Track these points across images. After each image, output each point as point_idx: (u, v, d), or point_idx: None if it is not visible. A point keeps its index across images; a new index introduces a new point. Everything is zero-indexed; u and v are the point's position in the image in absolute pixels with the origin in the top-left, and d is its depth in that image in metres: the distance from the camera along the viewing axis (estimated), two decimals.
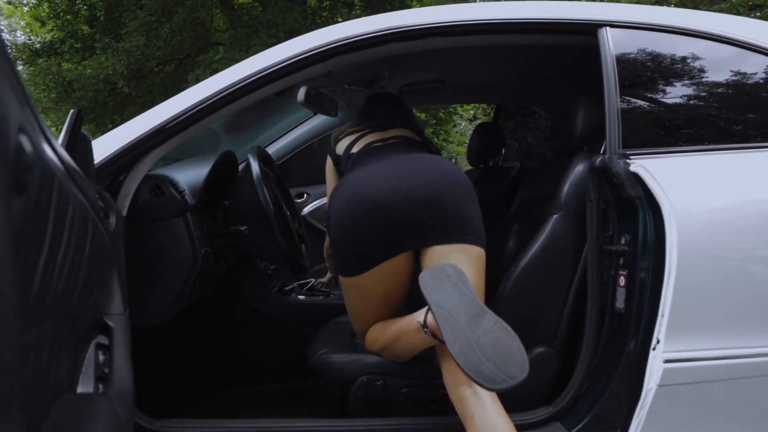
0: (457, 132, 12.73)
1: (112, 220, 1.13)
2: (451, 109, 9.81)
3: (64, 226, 0.66)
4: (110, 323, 0.94)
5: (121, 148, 1.46)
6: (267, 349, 2.18)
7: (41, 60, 8.04)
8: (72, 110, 1.22)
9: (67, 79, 7.08)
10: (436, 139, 10.61)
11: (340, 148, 1.94)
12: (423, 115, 9.50)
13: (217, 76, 1.56)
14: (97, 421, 0.63)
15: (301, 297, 2.31)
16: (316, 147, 3.39)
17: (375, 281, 1.59)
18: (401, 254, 1.58)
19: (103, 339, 1.06)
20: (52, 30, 8.72)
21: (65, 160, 0.80)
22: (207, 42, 7.77)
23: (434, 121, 9.75)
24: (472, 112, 11.65)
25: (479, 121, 10.18)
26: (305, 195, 3.43)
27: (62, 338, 0.74)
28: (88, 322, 0.86)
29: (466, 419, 1.39)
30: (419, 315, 1.48)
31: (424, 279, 1.39)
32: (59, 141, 1.20)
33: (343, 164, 1.87)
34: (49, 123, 8.20)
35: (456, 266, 1.42)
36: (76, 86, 6.84)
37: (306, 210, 3.28)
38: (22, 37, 10.70)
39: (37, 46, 8.58)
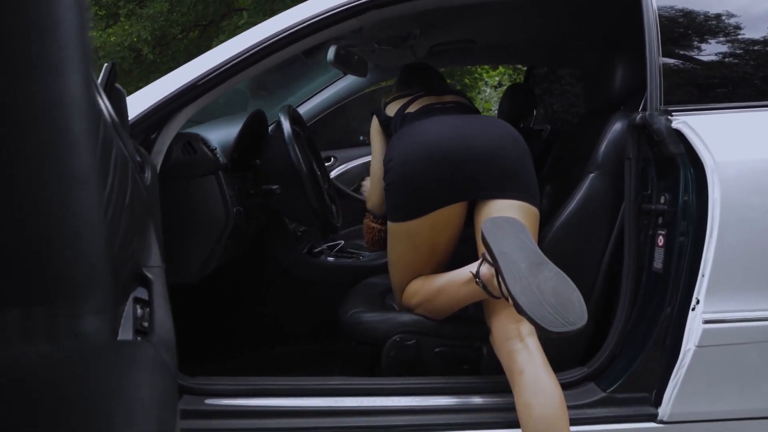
0: (482, 99, 12.54)
1: (148, 174, 1.13)
2: (476, 75, 9.65)
3: (108, 169, 0.66)
4: (149, 275, 0.94)
5: (153, 104, 1.45)
6: (296, 311, 2.19)
7: None
8: (106, 64, 1.21)
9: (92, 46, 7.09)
10: None
11: (391, 110, 1.93)
12: (449, 81, 9.38)
13: (248, 32, 1.54)
14: (142, 366, 0.63)
15: (331, 259, 2.31)
16: (344, 110, 3.37)
17: (427, 229, 1.58)
18: (457, 204, 1.58)
19: (141, 293, 1.07)
20: None
21: (109, 109, 0.80)
22: (231, 7, 7.70)
23: (459, 88, 9.59)
24: (497, 78, 11.45)
25: (504, 88, 10.02)
26: (332, 158, 3.42)
27: None
28: (128, 271, 0.86)
29: (513, 374, 1.39)
30: (472, 266, 1.47)
31: (487, 226, 1.38)
32: None
33: (396, 125, 1.87)
34: None
35: (519, 220, 1.43)
36: (101, 53, 6.85)
37: (333, 174, 3.27)
38: None
39: None
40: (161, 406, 0.59)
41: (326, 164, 3.25)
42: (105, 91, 1.18)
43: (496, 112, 3.06)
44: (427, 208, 1.56)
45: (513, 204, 1.55)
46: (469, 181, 1.56)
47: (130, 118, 1.41)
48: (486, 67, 9.20)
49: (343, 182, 3.23)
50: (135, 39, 6.54)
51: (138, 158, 1.09)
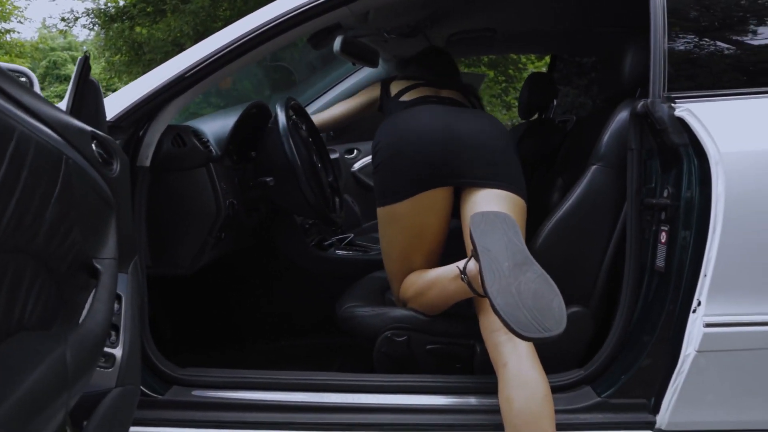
0: None
1: (116, 167, 1.12)
2: (520, 65, 9.44)
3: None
4: (99, 267, 0.93)
5: (141, 97, 1.45)
6: (302, 304, 2.18)
7: (116, 24, 8.31)
8: (80, 57, 1.22)
9: (138, 42, 7.30)
10: (506, 97, 10.28)
11: (393, 89, 1.95)
12: (492, 73, 9.22)
13: (235, 24, 1.53)
14: (31, 360, 0.62)
15: (340, 252, 2.29)
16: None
17: (413, 212, 1.59)
18: (442, 188, 1.59)
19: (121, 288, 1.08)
20: None
21: (36, 110, 0.79)
22: (271, 2, 7.77)
23: (503, 78, 9.42)
24: (544, 69, 11.21)
25: None
26: (356, 151, 3.39)
27: (27, 276, 0.74)
28: (70, 262, 0.86)
29: (498, 366, 1.35)
30: (460, 262, 1.44)
31: (475, 219, 1.36)
32: (68, 89, 1.21)
33: (390, 107, 1.89)
34: (122, 86, 8.51)
35: (510, 216, 1.39)
36: (147, 49, 7.04)
37: (356, 166, 3.23)
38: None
39: (112, 11, 8.87)
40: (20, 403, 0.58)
41: (349, 156, 3.24)
42: (78, 84, 1.18)
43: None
44: (412, 190, 1.57)
45: (498, 194, 1.54)
46: (454, 167, 1.57)
47: (117, 111, 1.43)
48: (532, 57, 8.97)
49: (366, 174, 3.20)
50: (178, 34, 6.68)
51: (101, 150, 1.08)
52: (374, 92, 2.06)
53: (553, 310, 1.15)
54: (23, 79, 1.39)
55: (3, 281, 0.66)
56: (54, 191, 0.79)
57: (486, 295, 1.18)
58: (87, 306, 0.94)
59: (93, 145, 1.05)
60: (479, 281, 1.28)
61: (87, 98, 1.20)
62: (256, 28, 1.49)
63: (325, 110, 2.29)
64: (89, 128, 1.06)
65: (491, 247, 1.27)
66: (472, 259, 1.36)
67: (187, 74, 1.47)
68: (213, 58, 1.47)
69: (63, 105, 1.17)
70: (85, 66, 1.19)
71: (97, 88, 1.23)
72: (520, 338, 1.14)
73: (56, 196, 0.80)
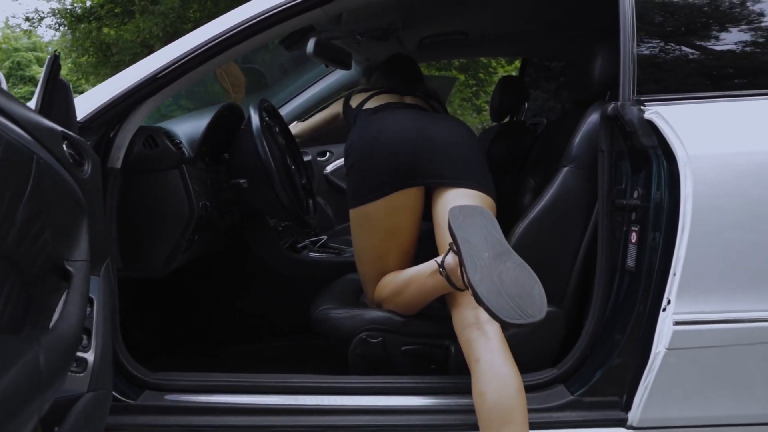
0: None
1: (87, 167, 1.11)
2: (491, 69, 9.54)
3: None
4: (71, 269, 0.91)
5: (111, 98, 1.42)
6: (276, 306, 2.16)
7: (83, 25, 8.15)
8: (49, 56, 1.19)
9: (106, 43, 7.17)
10: (476, 101, 10.37)
11: (354, 101, 1.96)
12: (462, 77, 9.29)
13: (208, 25, 1.52)
14: (2, 363, 0.60)
15: (313, 254, 2.28)
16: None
17: (385, 212, 1.62)
18: (413, 189, 1.61)
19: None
20: None
21: (6, 109, 0.77)
22: (242, 3, 7.71)
23: (474, 82, 9.51)
24: (514, 73, 11.33)
25: None
26: (328, 153, 3.38)
27: None
28: (40, 264, 0.84)
29: (471, 362, 1.35)
30: (438, 258, 1.45)
31: (453, 213, 1.37)
32: (38, 88, 1.18)
33: (354, 117, 1.90)
34: (89, 87, 8.36)
35: (488, 211, 1.41)
36: (115, 50, 6.92)
37: (329, 168, 3.22)
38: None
39: (78, 11, 8.69)
40: None
41: (322, 159, 3.23)
42: (47, 84, 1.16)
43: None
44: (384, 190, 1.60)
45: (468, 192, 1.57)
46: (424, 168, 1.60)
47: (87, 112, 1.40)
48: (502, 61, 9.07)
49: (339, 177, 3.19)
50: (147, 35, 6.59)
51: (71, 151, 1.06)
52: (339, 107, 2.14)
53: (534, 296, 1.17)
54: None
55: None
56: (25, 191, 0.78)
57: (468, 283, 1.20)
58: (59, 309, 0.92)
59: (64, 146, 1.03)
60: (458, 274, 1.29)
61: (57, 98, 1.18)
62: (231, 28, 1.48)
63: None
64: (60, 128, 1.04)
65: (471, 238, 1.28)
66: (450, 253, 1.37)
67: (160, 74, 1.45)
68: (186, 59, 1.46)
69: (32, 105, 1.15)
70: (54, 65, 1.17)
71: (67, 88, 1.21)
72: (503, 324, 1.16)
73: (27, 197, 0.78)
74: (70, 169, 1.02)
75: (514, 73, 11.35)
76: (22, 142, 0.78)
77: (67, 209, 0.97)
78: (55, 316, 0.90)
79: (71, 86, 1.25)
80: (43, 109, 1.14)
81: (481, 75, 9.23)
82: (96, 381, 1.03)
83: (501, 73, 10.84)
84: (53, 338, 0.75)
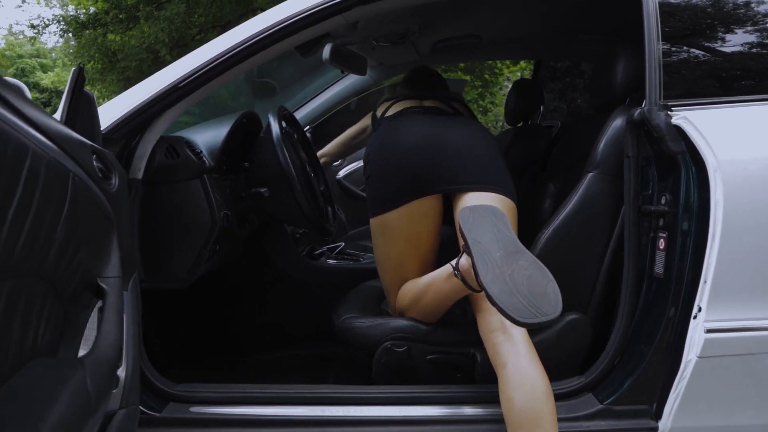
0: (503, 94, 12.39)
1: (115, 181, 1.10)
2: (496, 70, 9.51)
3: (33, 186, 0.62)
4: (104, 286, 0.90)
5: (132, 109, 1.41)
6: (295, 314, 2.15)
7: (88, 31, 8.15)
8: (74, 68, 1.18)
9: (111, 49, 7.17)
10: (482, 102, 10.34)
11: (379, 111, 1.98)
12: (468, 78, 9.27)
13: (229, 33, 1.50)
14: (52, 389, 0.59)
15: (331, 261, 2.27)
16: (353, 109, 3.32)
17: (405, 220, 1.61)
18: (432, 196, 1.61)
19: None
20: (98, 1, 8.82)
21: (42, 125, 0.76)
22: (248, 8, 7.71)
23: (479, 83, 9.48)
24: (519, 74, 11.29)
25: None
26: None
27: (37, 300, 0.71)
28: (76, 283, 0.83)
29: (498, 367, 1.34)
30: (453, 261, 1.44)
31: (463, 214, 1.37)
32: (62, 100, 1.17)
33: (377, 124, 1.92)
34: (96, 94, 8.36)
35: (499, 209, 1.40)
36: (120, 56, 6.92)
37: (341, 173, 3.22)
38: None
39: (83, 18, 8.69)
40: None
41: (335, 164, 3.22)
42: (73, 95, 1.15)
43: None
44: (402, 199, 1.60)
45: (488, 195, 1.57)
46: (439, 175, 1.60)
47: (109, 123, 1.39)
48: (507, 62, 9.05)
49: (352, 181, 3.19)
50: (152, 41, 6.58)
51: (100, 165, 1.05)
52: (368, 120, 2.16)
53: (548, 294, 1.15)
54: None
55: (17, 307, 0.63)
56: (63, 210, 0.77)
57: (480, 285, 1.18)
58: (91, 326, 0.91)
59: (93, 159, 1.02)
60: (472, 275, 1.27)
61: (82, 111, 1.17)
62: (252, 36, 1.47)
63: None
64: (89, 142, 1.03)
65: (481, 238, 1.27)
66: (464, 254, 1.36)
67: (181, 84, 1.44)
68: (208, 67, 1.45)
69: (57, 117, 1.14)
70: (79, 77, 1.16)
71: (91, 100, 1.20)
72: (516, 324, 1.13)
73: (65, 215, 0.77)
74: (99, 183, 1.01)
75: (519, 74, 11.35)
76: (59, 160, 0.77)
77: (99, 225, 0.96)
78: (87, 332, 0.89)
79: (95, 98, 1.24)
80: (68, 121, 1.13)
81: (486, 76, 9.21)
82: (127, 397, 1.02)
83: (506, 73, 10.84)
84: (96, 360, 0.74)
